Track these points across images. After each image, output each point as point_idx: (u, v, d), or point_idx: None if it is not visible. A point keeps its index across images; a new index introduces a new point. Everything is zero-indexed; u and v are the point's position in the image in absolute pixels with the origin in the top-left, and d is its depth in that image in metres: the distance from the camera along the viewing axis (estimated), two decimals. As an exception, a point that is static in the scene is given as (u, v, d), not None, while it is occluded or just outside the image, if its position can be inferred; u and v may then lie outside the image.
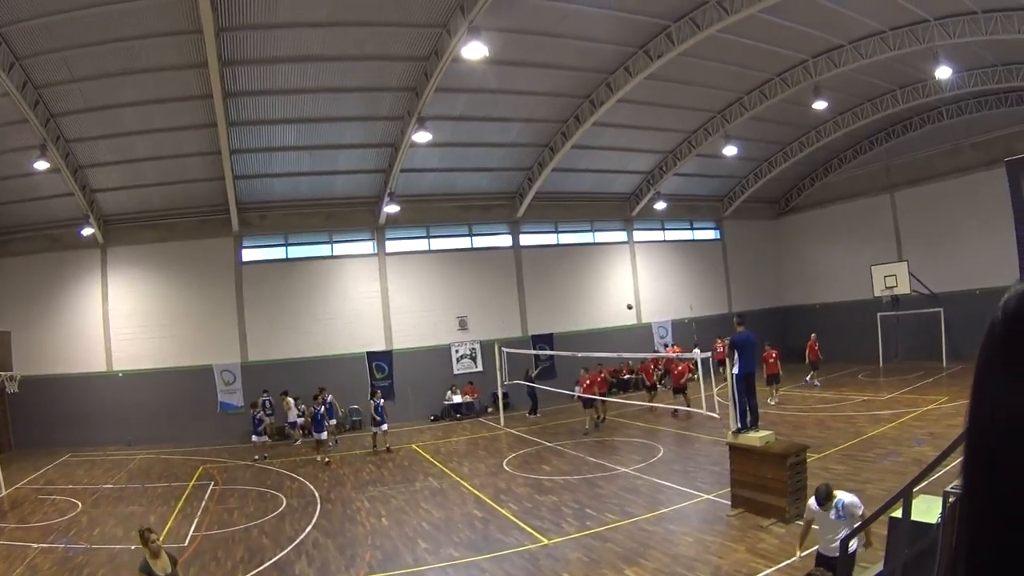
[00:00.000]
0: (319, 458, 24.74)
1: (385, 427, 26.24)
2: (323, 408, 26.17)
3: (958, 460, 1.09)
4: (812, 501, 10.24)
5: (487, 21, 20.62)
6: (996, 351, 0.89)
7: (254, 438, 25.99)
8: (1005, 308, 0.89)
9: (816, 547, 10.35)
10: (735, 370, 15.67)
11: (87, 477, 23.95)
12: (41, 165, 23.96)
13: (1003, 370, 0.87)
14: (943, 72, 26.70)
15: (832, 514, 9.91)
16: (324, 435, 25.79)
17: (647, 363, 31.50)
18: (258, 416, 26.22)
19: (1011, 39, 23.76)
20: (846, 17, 24.45)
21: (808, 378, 32.57)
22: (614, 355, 29.11)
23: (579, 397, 26.80)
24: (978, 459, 0.90)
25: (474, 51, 20.60)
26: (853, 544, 9.49)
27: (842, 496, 9.98)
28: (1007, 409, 0.85)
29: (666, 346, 38.54)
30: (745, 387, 15.50)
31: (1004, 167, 31.12)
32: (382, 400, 27.19)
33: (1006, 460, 0.85)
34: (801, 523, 11.19)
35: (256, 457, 25.33)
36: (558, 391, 30.63)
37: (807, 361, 33.02)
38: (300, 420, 29.42)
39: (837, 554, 9.48)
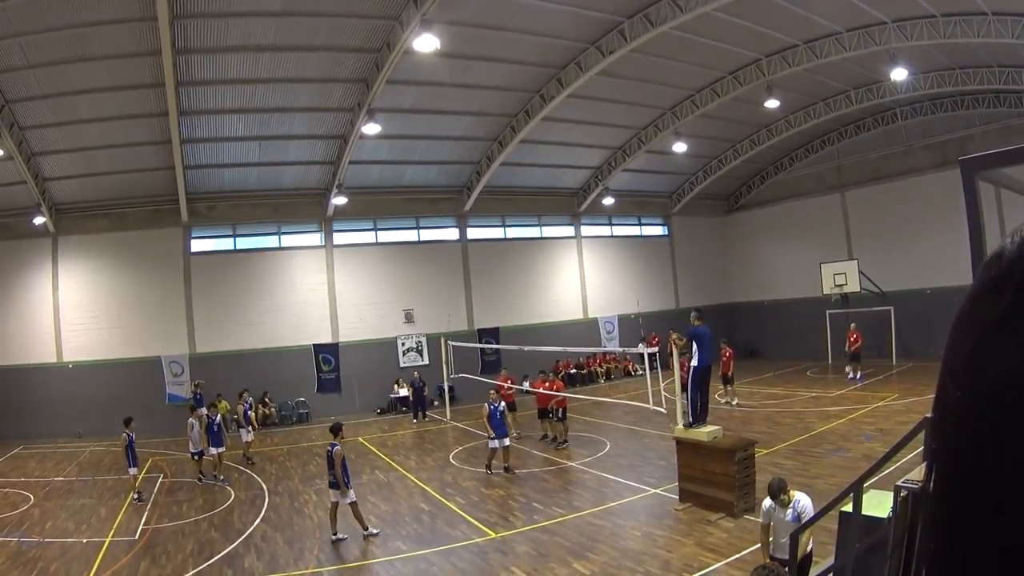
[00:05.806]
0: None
1: (214, 451, 21.26)
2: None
3: (909, 455, 1.07)
4: (766, 501, 9.72)
5: (440, 14, 20.52)
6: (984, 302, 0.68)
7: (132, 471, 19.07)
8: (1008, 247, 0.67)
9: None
10: (694, 363, 15.69)
11: (38, 470, 23.66)
12: (-4, 153, 23.36)
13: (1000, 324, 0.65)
14: (899, 74, 27.04)
15: (789, 514, 9.41)
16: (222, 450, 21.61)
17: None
18: (132, 438, 18.87)
19: (968, 42, 24.09)
20: (801, 17, 24.57)
21: (856, 374, 30.50)
22: (559, 349, 28.95)
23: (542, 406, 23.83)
24: (963, 434, 0.68)
25: (426, 44, 20.57)
26: (810, 544, 9.39)
27: (800, 497, 9.55)
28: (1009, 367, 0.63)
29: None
30: (700, 381, 15.58)
31: (959, 166, 31.52)
32: (217, 417, 22.06)
33: (1002, 435, 0.63)
34: (761, 521, 10.50)
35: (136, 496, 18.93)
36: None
37: (847, 352, 31.53)
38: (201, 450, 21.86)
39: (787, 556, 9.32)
